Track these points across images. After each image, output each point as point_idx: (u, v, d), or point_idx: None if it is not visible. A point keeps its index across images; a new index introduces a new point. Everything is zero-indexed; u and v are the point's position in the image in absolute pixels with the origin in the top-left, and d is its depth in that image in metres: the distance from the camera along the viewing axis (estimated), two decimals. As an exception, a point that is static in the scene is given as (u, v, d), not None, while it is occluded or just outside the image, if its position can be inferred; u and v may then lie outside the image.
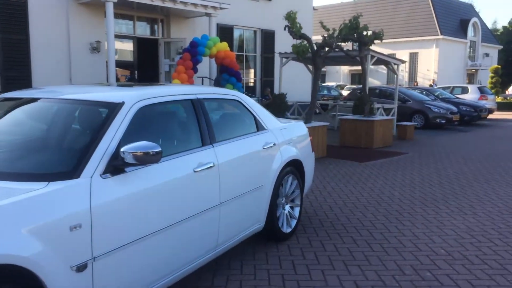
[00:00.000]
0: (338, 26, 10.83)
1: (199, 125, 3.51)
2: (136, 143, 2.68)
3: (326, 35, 9.38)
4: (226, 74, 13.43)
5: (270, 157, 4.24)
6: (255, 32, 18.63)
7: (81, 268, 2.38)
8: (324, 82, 37.91)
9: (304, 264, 4.07)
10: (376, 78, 36.58)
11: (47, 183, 2.39)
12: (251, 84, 19.10)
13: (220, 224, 3.52)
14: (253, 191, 3.94)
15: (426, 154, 10.49)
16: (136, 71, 15.47)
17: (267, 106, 15.47)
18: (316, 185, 7.17)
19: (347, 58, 11.92)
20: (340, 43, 10.39)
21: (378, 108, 13.36)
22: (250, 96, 17.69)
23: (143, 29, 15.35)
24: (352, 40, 11.32)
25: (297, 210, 4.88)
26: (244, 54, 18.66)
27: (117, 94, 3.09)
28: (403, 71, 36.60)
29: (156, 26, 15.58)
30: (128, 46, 15.39)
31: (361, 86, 26.93)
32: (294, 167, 4.73)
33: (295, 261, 4.14)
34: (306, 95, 17.01)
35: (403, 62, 15.33)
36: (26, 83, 12.01)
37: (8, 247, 2.06)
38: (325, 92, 24.98)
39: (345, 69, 42.07)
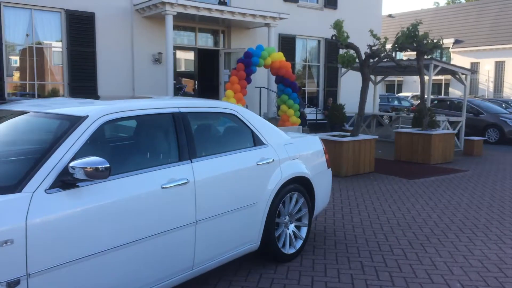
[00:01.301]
0: (420, 34, 10.30)
1: (177, 139, 3.42)
2: (86, 158, 2.65)
3: (372, 44, 8.93)
4: (282, 85, 13.31)
5: (265, 174, 4.04)
6: (318, 41, 18.35)
7: (12, 284, 2.38)
8: (400, 92, 36.43)
9: (296, 289, 3.82)
10: (458, 89, 34.43)
11: (-19, 197, 2.42)
12: (314, 94, 18.80)
13: (196, 242, 3.39)
14: (241, 209, 3.77)
15: (488, 173, 9.59)
16: (196, 82, 15.82)
17: (327, 117, 15.14)
18: (349, 202, 6.79)
19: (405, 68, 11.28)
20: (392, 52, 9.85)
21: (443, 121, 12.49)
22: (308, 106, 17.44)
23: (204, 40, 15.71)
24: (410, 49, 10.70)
25: (304, 230, 4.62)
26: (307, 63, 18.43)
27: (85, 108, 3.09)
28: (486, 81, 34.15)
29: (217, 37, 15.88)
30: (190, 56, 15.81)
31: (440, 96, 25.47)
32: (300, 185, 4.49)
33: (288, 286, 3.89)
34: (367, 106, 16.33)
35: (473, 72, 14.25)
36: (93, 93, 12.73)
37: None
38: (396, 103, 23.91)
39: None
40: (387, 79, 36.76)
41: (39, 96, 12.18)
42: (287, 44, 17.13)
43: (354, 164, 9.12)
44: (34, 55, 12.06)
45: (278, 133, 4.47)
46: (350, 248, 4.85)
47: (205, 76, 16.09)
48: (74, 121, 2.92)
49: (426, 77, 11.25)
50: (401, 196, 7.30)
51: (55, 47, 12.42)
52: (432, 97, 15.87)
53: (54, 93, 12.49)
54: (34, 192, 2.54)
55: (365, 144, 9.34)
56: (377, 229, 5.51)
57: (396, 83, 39.62)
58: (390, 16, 41.91)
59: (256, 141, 4.13)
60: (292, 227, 4.51)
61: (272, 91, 14.80)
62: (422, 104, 11.18)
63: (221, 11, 13.79)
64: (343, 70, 14.79)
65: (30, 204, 2.49)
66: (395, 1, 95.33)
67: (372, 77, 15.97)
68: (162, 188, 3.14)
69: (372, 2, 19.60)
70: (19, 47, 12.04)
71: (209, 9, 13.50)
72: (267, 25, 15.04)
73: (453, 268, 4.31)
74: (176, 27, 14.09)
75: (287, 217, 4.43)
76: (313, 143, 4.88)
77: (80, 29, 12.42)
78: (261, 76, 14.83)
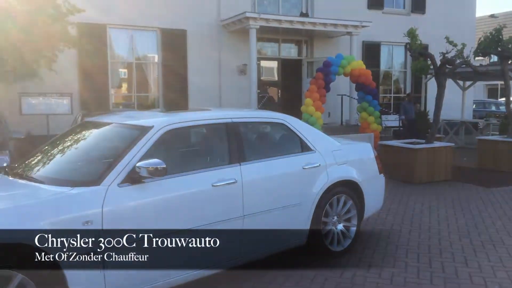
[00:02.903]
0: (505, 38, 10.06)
1: (228, 145, 4.02)
2: (149, 160, 3.35)
3: (445, 52, 8.86)
4: (362, 92, 13.48)
5: (311, 177, 4.50)
6: (405, 47, 18.06)
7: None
8: (499, 98, 34.04)
9: (335, 282, 4.21)
10: None
11: (71, 188, 3.20)
12: (400, 101, 18.50)
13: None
14: (286, 208, 4.26)
15: None
16: (279, 90, 16.49)
17: (404, 125, 14.91)
18: (413, 208, 6.93)
19: (485, 74, 10.93)
20: (474, 57, 9.67)
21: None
22: (387, 113, 17.18)
23: (287, 51, 16.34)
24: (493, 54, 10.39)
25: (353, 230, 4.97)
26: (392, 70, 18.26)
27: (152, 120, 3.82)
28: None
29: (300, 47, 16.43)
30: (273, 66, 16.55)
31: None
32: (348, 188, 4.86)
33: (330, 278, 4.28)
34: (455, 112, 15.82)
35: None
36: (184, 104, 13.90)
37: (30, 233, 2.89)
38: (493, 108, 22.58)
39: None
40: (489, 83, 34.59)
41: (138, 107, 13.62)
42: (371, 51, 17.15)
43: (428, 171, 9.09)
44: (134, 70, 13.54)
45: (327, 140, 4.90)
46: (400, 249, 5.09)
47: (288, 85, 16.69)
48: (143, 131, 3.65)
49: (512, 82, 10.78)
50: (470, 204, 7.24)
51: (152, 62, 13.82)
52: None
53: (150, 104, 13.87)
54: (109, 185, 3.28)
55: (441, 152, 9.26)
56: (434, 234, 5.65)
57: (499, 87, 37.07)
58: (492, 16, 39.32)
59: (304, 148, 4.60)
60: (340, 226, 4.88)
61: (354, 98, 14.96)
62: (508, 110, 10.73)
63: (303, 22, 14.33)
64: (428, 76, 14.53)
65: (106, 195, 3.23)
66: (497, 0, 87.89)
67: (460, 82, 15.45)
68: (213, 186, 3.76)
69: (464, 4, 18.84)
70: (122, 63, 13.60)
71: (291, 21, 14.11)
72: (349, 33, 15.27)
73: (498, 272, 4.41)
74: (260, 39, 14.88)
75: (335, 217, 4.83)
76: (364, 150, 5.22)
77: (173, 45, 13.67)
78: (343, 83, 15.07)
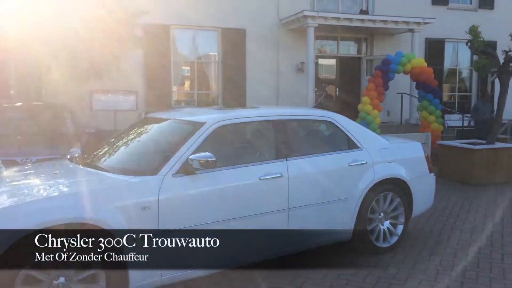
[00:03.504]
0: None
1: (275, 141, 4.25)
2: (201, 153, 3.66)
3: (508, 50, 8.53)
4: (422, 91, 13.21)
5: (357, 174, 4.62)
6: (466, 44, 17.35)
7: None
8: None
9: (377, 277, 4.32)
10: None
11: (133, 176, 3.57)
12: (465, 100, 17.84)
13: (289, 225, 4.16)
14: (331, 203, 4.43)
15: None
16: (337, 88, 16.47)
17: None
18: (468, 209, 6.80)
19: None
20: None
21: None
22: (451, 113, 16.60)
23: (346, 48, 16.27)
24: None
25: (400, 228, 5.03)
26: (458, 68, 17.63)
27: (206, 116, 4.13)
28: None
29: (359, 45, 16.29)
30: (331, 64, 16.56)
31: None
32: (395, 186, 4.93)
33: (373, 271, 4.39)
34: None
35: None
36: (241, 102, 14.28)
37: (98, 215, 3.27)
38: None
39: None
40: None
41: (198, 104, 14.16)
42: (435, 48, 16.66)
43: (488, 172, 8.82)
44: (195, 69, 14.09)
45: (375, 138, 5.00)
46: (448, 249, 5.09)
47: (346, 83, 16.62)
48: (196, 126, 3.96)
49: None
50: (531, 207, 7.00)
51: (212, 61, 14.30)
52: None
53: (210, 102, 14.37)
54: (165, 175, 3.62)
55: (502, 153, 8.95)
56: (486, 235, 5.57)
57: None
58: None
59: (351, 145, 4.73)
60: (387, 223, 4.96)
61: (414, 96, 14.64)
62: None
63: (362, 20, 14.22)
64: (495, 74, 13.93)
65: (161, 184, 3.57)
66: None
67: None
68: (260, 179, 4.00)
69: (540, -3, 17.78)
70: (184, 62, 14.19)
71: (350, 19, 14.05)
72: (411, 30, 14.94)
73: (549, 276, 4.32)
74: (318, 37, 14.94)
75: (381, 214, 4.91)
76: (413, 149, 5.26)
77: (233, 44, 14.07)
78: (404, 81, 14.79)
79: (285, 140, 4.30)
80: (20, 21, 8.40)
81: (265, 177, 4.03)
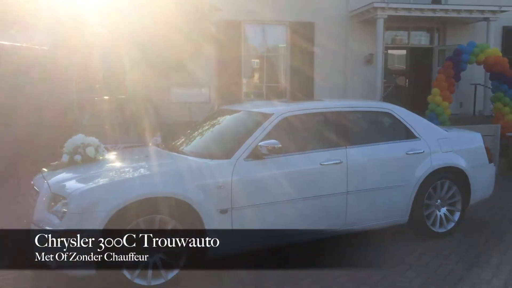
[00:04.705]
0: None
1: (336, 130, 4.67)
2: (268, 140, 4.19)
3: None
4: (496, 81, 12.85)
5: (414, 162, 4.93)
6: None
7: (222, 211, 4.05)
8: None
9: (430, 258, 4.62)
10: None
11: (210, 160, 4.17)
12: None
13: (348, 207, 4.59)
14: (388, 188, 4.78)
15: None
16: (407, 79, 16.33)
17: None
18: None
19: None
20: None
21: None
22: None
23: (417, 39, 16.05)
24: None
25: (457, 215, 5.26)
26: (538, 56, 16.73)
27: (273, 108, 4.66)
28: None
29: (431, 35, 16.00)
30: (401, 54, 16.43)
31: None
32: (453, 174, 5.17)
33: (428, 252, 4.71)
34: None
35: None
36: (309, 93, 14.65)
37: (184, 191, 3.91)
38: None
39: None
40: None
41: (268, 96, 14.73)
42: (512, 36, 15.99)
43: (561, 165, 8.60)
44: (264, 62, 14.65)
45: (434, 129, 5.27)
46: (506, 235, 5.25)
47: (417, 74, 16.41)
48: (265, 117, 4.50)
49: None
50: None
51: (281, 54, 14.79)
52: None
53: (279, 94, 14.88)
54: (237, 159, 4.19)
55: None
56: (549, 227, 5.63)
57: None
58: None
59: (409, 135, 5.05)
60: (444, 210, 5.22)
61: (488, 87, 14.23)
62: None
63: (434, 10, 14.02)
64: None
65: (234, 167, 4.14)
66: None
67: None
68: (321, 164, 4.46)
69: None
70: (254, 56, 14.80)
71: (421, 9, 13.90)
72: (486, 19, 14.48)
73: None
74: (389, 28, 14.90)
75: (438, 201, 5.18)
76: (473, 139, 5.46)
77: (302, 38, 14.43)
78: (478, 72, 14.40)
79: (345, 130, 4.72)
80: (108, 23, 9.39)
81: (325, 163, 4.48)
